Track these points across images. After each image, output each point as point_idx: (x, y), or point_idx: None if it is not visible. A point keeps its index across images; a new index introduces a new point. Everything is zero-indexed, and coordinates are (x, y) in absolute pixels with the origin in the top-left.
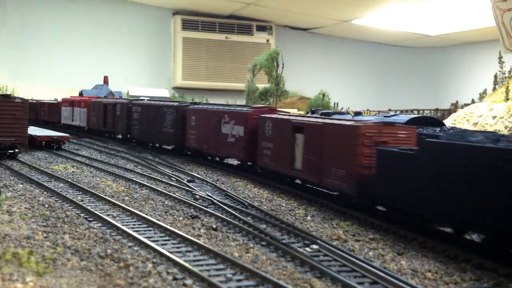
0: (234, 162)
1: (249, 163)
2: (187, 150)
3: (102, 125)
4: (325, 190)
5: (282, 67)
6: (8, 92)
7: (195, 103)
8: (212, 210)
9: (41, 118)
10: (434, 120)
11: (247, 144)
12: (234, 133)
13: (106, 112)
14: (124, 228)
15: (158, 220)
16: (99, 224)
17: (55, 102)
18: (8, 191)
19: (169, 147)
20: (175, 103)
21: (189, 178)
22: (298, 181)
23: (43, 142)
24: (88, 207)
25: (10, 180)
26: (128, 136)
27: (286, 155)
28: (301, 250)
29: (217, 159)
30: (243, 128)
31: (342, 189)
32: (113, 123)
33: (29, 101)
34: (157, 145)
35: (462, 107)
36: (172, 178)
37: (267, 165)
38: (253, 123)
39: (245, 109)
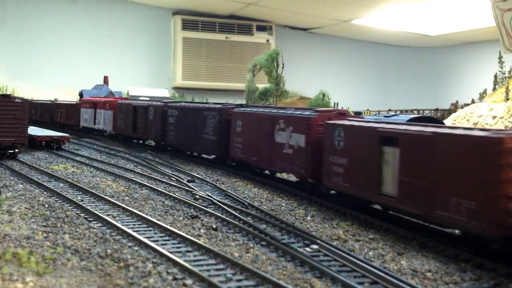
0: (291, 177)
1: (311, 181)
2: (231, 161)
3: (131, 130)
4: (436, 226)
5: (282, 67)
6: (8, 92)
7: (242, 105)
8: (212, 210)
9: (57, 120)
10: (434, 120)
11: (310, 157)
12: (292, 143)
13: (136, 116)
14: (124, 228)
15: (158, 220)
16: (99, 224)
17: (74, 103)
18: (8, 191)
19: (210, 157)
20: (218, 105)
21: (189, 178)
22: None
23: (43, 142)
24: (88, 207)
25: (10, 180)
26: (162, 143)
27: (370, 175)
28: (301, 250)
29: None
30: (304, 137)
31: (469, 228)
32: (144, 128)
33: (43, 102)
34: (195, 153)
35: (462, 107)
36: (172, 178)
37: (338, 186)
38: (318, 131)
39: (307, 113)
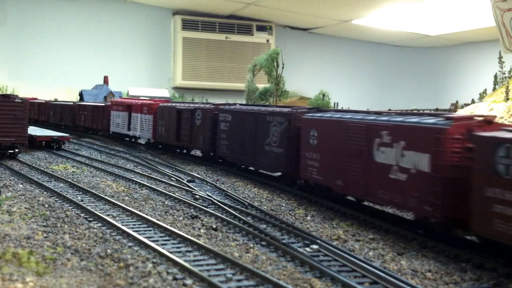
0: (406, 214)
1: (447, 228)
2: (302, 181)
3: (174, 138)
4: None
5: (282, 67)
6: (8, 92)
7: (318, 109)
8: (212, 210)
9: (80, 124)
10: None
11: (443, 189)
12: (405, 165)
13: (180, 121)
14: (124, 228)
15: (158, 220)
16: (99, 224)
17: (103, 105)
18: (8, 191)
19: (274, 174)
20: (286, 109)
21: (189, 178)
22: None
23: (43, 142)
24: (88, 207)
25: (10, 180)
26: (211, 154)
27: None
28: (301, 250)
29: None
30: (428, 158)
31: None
32: (190, 136)
33: (64, 103)
34: (250, 168)
35: (462, 107)
36: (172, 178)
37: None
38: (454, 149)
39: (430, 121)
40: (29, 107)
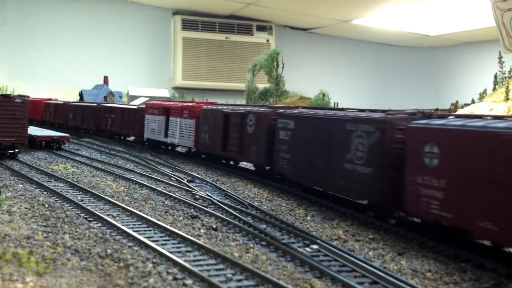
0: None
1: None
2: (412, 215)
3: (221, 148)
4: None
5: (282, 67)
6: (8, 92)
7: (424, 114)
8: (212, 210)
9: (106, 128)
10: None
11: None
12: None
13: (229, 127)
14: (124, 228)
15: (158, 220)
16: (99, 224)
17: (134, 107)
18: (8, 191)
19: (361, 201)
20: (375, 115)
21: (189, 178)
22: None
23: (43, 142)
24: (88, 207)
25: (10, 180)
26: (268, 168)
27: None
28: (301, 250)
29: None
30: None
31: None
32: (239, 146)
33: (87, 104)
34: (319, 188)
35: (462, 107)
36: (172, 178)
37: None
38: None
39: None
40: (29, 107)
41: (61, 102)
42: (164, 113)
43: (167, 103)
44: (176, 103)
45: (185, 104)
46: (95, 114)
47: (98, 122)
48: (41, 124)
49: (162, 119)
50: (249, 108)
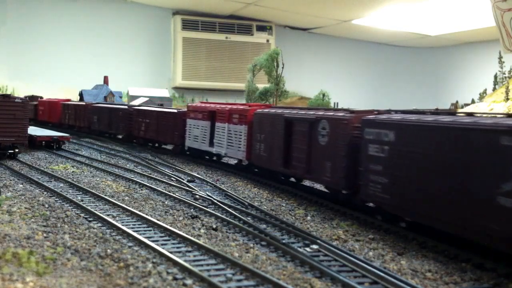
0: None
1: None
2: None
3: (281, 163)
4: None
5: (282, 67)
6: (8, 92)
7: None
8: (212, 210)
9: (138, 134)
10: None
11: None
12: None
13: (292, 137)
14: (124, 228)
15: (158, 220)
16: (99, 224)
17: (174, 111)
18: (8, 191)
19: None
20: None
21: (189, 178)
22: None
23: (43, 142)
24: (88, 207)
25: (10, 180)
26: (350, 191)
27: None
28: (301, 250)
29: None
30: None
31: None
32: (307, 162)
33: (114, 106)
34: (444, 229)
35: (462, 107)
36: (172, 178)
37: None
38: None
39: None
40: (29, 107)
41: (83, 103)
42: (209, 117)
43: (213, 105)
44: (224, 106)
45: (234, 107)
46: (126, 118)
47: (129, 127)
48: (59, 127)
49: (207, 125)
50: (321, 113)
